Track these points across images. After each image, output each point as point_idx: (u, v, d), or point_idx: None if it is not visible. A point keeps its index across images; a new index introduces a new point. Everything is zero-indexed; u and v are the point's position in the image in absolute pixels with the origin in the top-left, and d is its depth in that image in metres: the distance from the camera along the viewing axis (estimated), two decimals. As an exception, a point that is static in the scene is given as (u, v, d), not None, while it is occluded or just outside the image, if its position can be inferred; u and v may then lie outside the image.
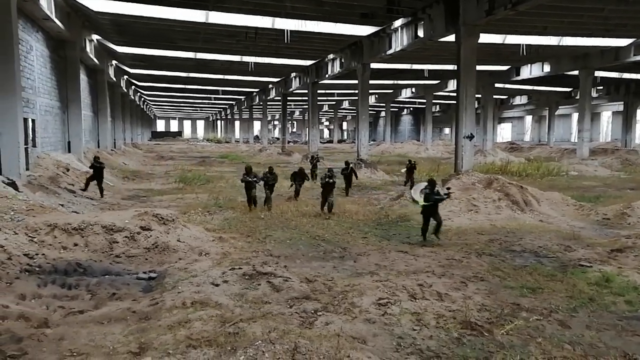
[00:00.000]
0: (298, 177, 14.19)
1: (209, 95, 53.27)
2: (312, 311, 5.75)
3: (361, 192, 17.12)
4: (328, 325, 5.34)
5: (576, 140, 31.62)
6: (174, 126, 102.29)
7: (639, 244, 8.47)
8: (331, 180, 12.31)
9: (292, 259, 8.20)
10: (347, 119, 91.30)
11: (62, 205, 12.03)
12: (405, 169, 18.33)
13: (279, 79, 39.42)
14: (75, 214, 10.52)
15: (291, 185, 14.28)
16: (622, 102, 39.97)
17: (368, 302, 6.04)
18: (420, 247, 9.11)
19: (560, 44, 23.31)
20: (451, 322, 5.47)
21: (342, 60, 26.07)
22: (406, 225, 11.25)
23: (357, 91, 25.36)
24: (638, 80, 36.37)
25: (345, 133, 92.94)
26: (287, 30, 20.37)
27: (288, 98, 43.17)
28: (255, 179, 12.40)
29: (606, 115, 51.53)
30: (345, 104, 63.72)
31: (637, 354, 4.71)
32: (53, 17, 16.24)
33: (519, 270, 7.55)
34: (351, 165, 16.67)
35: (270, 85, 43.57)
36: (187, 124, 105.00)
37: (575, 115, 40.30)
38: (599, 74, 30.67)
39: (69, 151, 20.44)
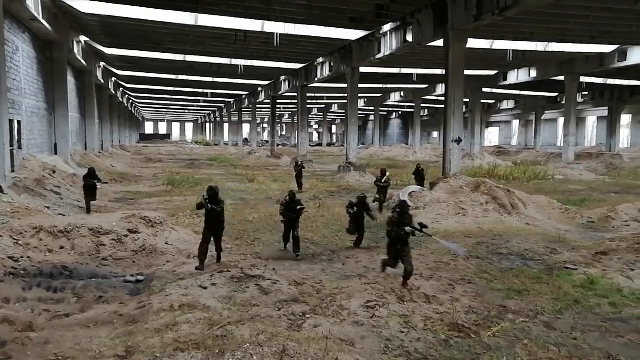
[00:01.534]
0: (292, 208, 8.77)
1: (198, 98, 53.05)
2: (301, 314, 5.76)
3: (350, 195, 17.13)
4: (316, 327, 5.35)
5: (562, 145, 32.02)
6: (162, 128, 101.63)
7: (623, 247, 8.60)
8: (354, 210, 9.42)
9: (281, 262, 8.20)
10: (337, 122, 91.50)
11: (48, 207, 11.90)
12: (413, 174, 16.86)
13: (269, 82, 39.41)
14: (61, 217, 10.41)
15: (283, 221, 8.95)
16: (607, 108, 40.55)
17: (356, 304, 6.05)
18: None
19: (547, 50, 23.60)
20: (439, 325, 5.51)
21: (332, 64, 26.14)
22: (395, 228, 11.28)
23: (346, 95, 25.41)
24: (622, 86, 36.93)
25: (334, 136, 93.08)
26: (276, 34, 20.38)
27: (277, 101, 43.16)
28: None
29: (591, 120, 52.21)
30: (335, 108, 63.83)
31: (620, 355, 4.78)
32: (40, 18, 16.08)
33: (506, 273, 7.62)
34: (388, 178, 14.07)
35: (260, 88, 43.54)
36: (175, 126, 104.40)
37: (561, 120, 40.81)
38: (584, 79, 31.09)
39: (56, 153, 20.22)
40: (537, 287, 6.92)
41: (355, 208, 9.47)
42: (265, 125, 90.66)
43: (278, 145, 54.55)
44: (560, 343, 5.05)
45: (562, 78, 28.44)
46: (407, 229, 6.89)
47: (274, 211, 12.91)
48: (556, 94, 40.96)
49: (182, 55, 27.06)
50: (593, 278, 7.12)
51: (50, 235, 7.85)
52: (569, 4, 15.65)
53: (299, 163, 18.58)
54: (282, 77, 35.77)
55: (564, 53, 24.79)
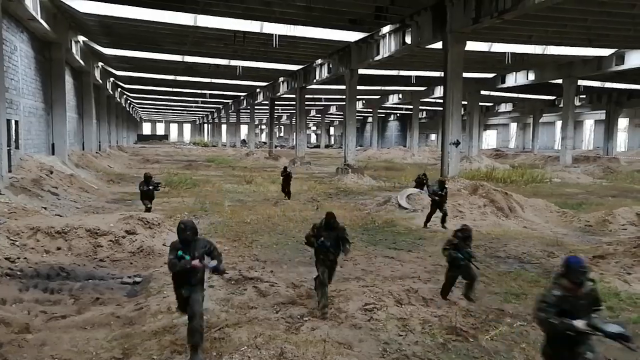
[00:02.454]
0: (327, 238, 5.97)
1: (196, 99, 53.02)
2: (299, 316, 5.75)
3: (348, 197, 17.16)
4: (314, 330, 5.34)
5: (559, 148, 32.07)
6: (160, 129, 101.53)
7: (620, 251, 8.62)
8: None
9: (279, 264, 8.18)
10: (335, 124, 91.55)
11: (45, 208, 11.86)
12: (415, 181, 15.31)
13: (267, 83, 39.43)
14: (58, 217, 10.38)
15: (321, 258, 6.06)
16: (604, 111, 40.66)
17: (354, 307, 6.04)
18: (407, 253, 9.16)
19: (545, 53, 23.68)
20: (437, 328, 5.50)
21: (330, 66, 26.16)
22: (392, 230, 11.30)
23: (344, 96, 25.43)
24: (619, 89, 37.05)
25: (332, 138, 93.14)
26: (275, 35, 20.40)
27: (276, 102, 43.16)
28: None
29: (589, 124, 52.38)
30: (333, 109, 63.91)
31: (617, 358, 4.78)
32: (38, 17, 16.05)
33: (504, 276, 7.63)
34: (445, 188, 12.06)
35: (258, 90, 43.54)
36: (173, 127, 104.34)
37: (559, 123, 40.89)
38: (582, 82, 31.17)
39: (53, 153, 20.16)
40: (534, 290, 6.91)
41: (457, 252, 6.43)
42: (264, 127, 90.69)
43: (276, 146, 54.58)
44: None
45: (560, 81, 28.52)
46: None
47: (272, 213, 12.92)
48: (554, 97, 41.05)
49: (181, 56, 27.06)
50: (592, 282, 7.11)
51: (47, 236, 7.82)
52: (568, 7, 15.69)
53: (288, 170, 16.72)
54: (281, 79, 35.78)
55: (562, 56, 24.87)
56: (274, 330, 5.24)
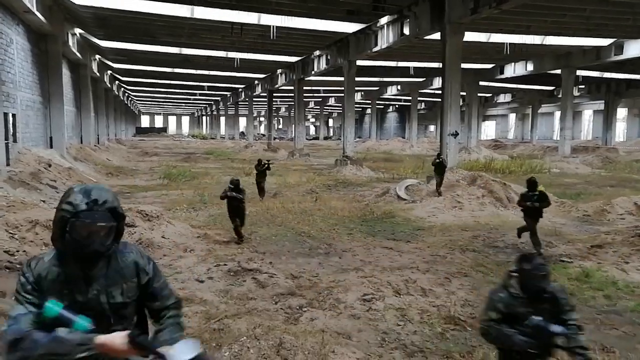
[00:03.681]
0: None
1: (194, 91, 52.85)
2: (297, 307, 5.78)
3: (347, 188, 17.18)
4: (313, 321, 5.37)
5: (558, 138, 32.06)
6: (158, 122, 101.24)
7: (618, 240, 8.64)
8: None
9: (278, 255, 8.20)
10: (333, 115, 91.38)
11: (43, 201, 11.85)
12: (433, 165, 14.16)
13: (265, 75, 39.28)
14: (57, 211, 10.36)
15: None
16: (603, 101, 40.62)
17: (353, 297, 6.07)
18: (405, 243, 9.18)
19: (543, 43, 23.59)
20: (435, 318, 5.53)
21: (329, 57, 26.06)
22: (391, 221, 11.32)
23: (343, 88, 25.39)
24: (618, 79, 36.98)
25: (331, 130, 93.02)
26: (273, 27, 20.29)
27: (274, 94, 43.04)
28: None
29: (587, 114, 52.32)
30: (332, 101, 63.75)
31: (614, 346, 4.81)
32: (34, 9, 15.94)
33: (502, 266, 7.64)
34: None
35: (256, 82, 43.40)
36: (172, 119, 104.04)
37: (558, 114, 40.83)
38: (580, 73, 31.10)
39: (51, 147, 20.12)
40: (532, 280, 6.94)
41: None
42: (262, 119, 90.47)
43: (275, 138, 54.52)
44: (555, 335, 5.07)
45: (558, 71, 28.46)
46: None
47: (271, 204, 12.94)
48: (553, 88, 40.97)
49: (178, 48, 26.92)
50: (588, 271, 7.15)
51: (46, 229, 7.81)
52: (566, -4, 15.64)
53: (263, 163, 14.35)
54: (279, 70, 35.65)
55: (561, 46, 24.79)
56: (273, 321, 5.26)
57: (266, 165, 14.24)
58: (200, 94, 56.65)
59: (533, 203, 8.13)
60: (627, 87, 38.51)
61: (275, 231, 9.97)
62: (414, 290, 6.41)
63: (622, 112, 46.04)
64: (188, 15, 18.85)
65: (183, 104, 78.55)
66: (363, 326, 5.33)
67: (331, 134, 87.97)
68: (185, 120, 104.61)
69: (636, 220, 10.83)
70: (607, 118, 40.25)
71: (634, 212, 11.51)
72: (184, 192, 15.20)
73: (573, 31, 21.64)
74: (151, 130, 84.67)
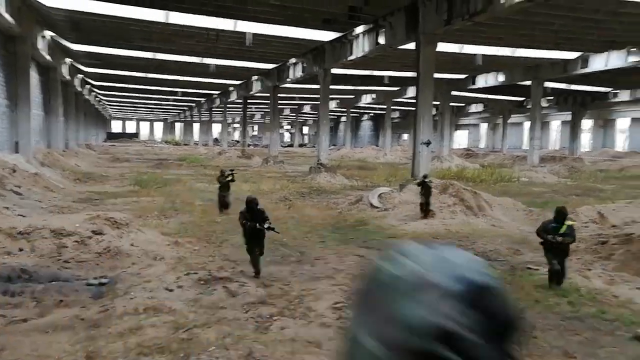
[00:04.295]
0: None
1: (167, 97, 52.18)
2: (268, 316, 5.74)
3: (320, 196, 17.20)
4: (283, 329, 5.35)
5: (527, 148, 32.83)
6: (130, 127, 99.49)
7: (582, 248, 8.89)
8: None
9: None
10: (309, 123, 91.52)
11: (7, 208, 11.49)
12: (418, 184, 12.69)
13: (240, 82, 39.11)
14: (21, 218, 10.08)
15: None
16: (570, 112, 41.84)
17: (324, 306, 6.08)
18: (377, 251, 9.23)
19: (514, 55, 24.20)
20: (405, 325, 5.57)
21: (304, 65, 26.14)
22: (364, 229, 11.39)
23: (318, 96, 25.49)
24: (584, 91, 38.17)
25: (306, 137, 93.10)
26: (249, 33, 20.26)
27: (249, 101, 42.89)
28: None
29: (555, 124, 53.79)
30: (307, 108, 63.85)
31: (576, 352, 4.94)
32: (2, 10, 15.52)
33: (471, 274, 7.76)
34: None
35: (231, 88, 43.17)
36: (144, 125, 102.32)
37: (527, 124, 41.89)
38: (549, 84, 31.99)
39: (17, 152, 19.53)
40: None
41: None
42: (237, 125, 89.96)
43: (249, 145, 54.26)
44: (520, 342, 5.17)
45: (528, 83, 29.20)
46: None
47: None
48: (522, 98, 41.98)
49: (152, 53, 26.58)
50: (554, 278, 7.32)
51: (9, 237, 7.59)
52: (536, 11, 16.08)
53: (227, 173, 12.88)
54: (254, 77, 35.55)
55: (531, 59, 25.46)
56: (243, 330, 5.22)
57: (230, 177, 12.73)
58: (174, 100, 55.98)
59: (555, 237, 6.66)
60: (592, 100, 39.75)
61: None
62: (384, 298, 6.45)
63: (588, 123, 47.52)
64: (163, 20, 18.67)
65: (156, 110, 77.44)
66: (334, 334, 5.32)
67: (306, 141, 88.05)
68: (158, 126, 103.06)
69: (599, 228, 11.15)
70: (573, 129, 41.46)
71: (597, 220, 11.84)
72: (155, 199, 14.97)
73: (542, 44, 22.29)
74: (122, 136, 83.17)
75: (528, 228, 11.90)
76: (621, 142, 46.53)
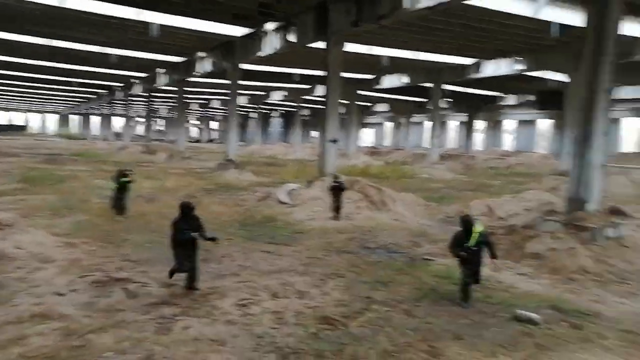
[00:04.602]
0: None
1: (63, 87, 48.26)
2: (171, 316, 5.56)
3: (228, 192, 16.93)
4: (187, 329, 5.22)
5: (428, 146, 34.79)
6: (19, 119, 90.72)
7: (473, 239, 9.62)
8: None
9: (152, 263, 7.82)
10: (217, 118, 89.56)
11: None
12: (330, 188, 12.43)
13: (145, 74, 37.27)
14: None
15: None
16: (466, 114, 45.06)
17: (229, 303, 6.02)
18: (284, 247, 9.31)
19: (417, 58, 25.51)
20: (310, 319, 5.68)
21: (213, 60, 25.53)
22: (271, 225, 11.40)
23: (228, 91, 25.03)
24: (478, 95, 41.33)
25: (214, 133, 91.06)
26: (154, 24, 19.33)
27: (154, 94, 41.06)
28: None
29: (453, 125, 57.57)
30: (216, 103, 62.44)
31: (465, 334, 5.36)
32: None
33: (373, 266, 8.11)
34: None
35: (135, 80, 40.99)
36: (34, 117, 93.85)
37: (428, 124, 44.44)
38: (448, 87, 34.16)
39: None
40: (400, 277, 7.46)
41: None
42: (141, 119, 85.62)
43: (154, 140, 51.93)
44: (417, 328, 5.51)
45: (429, 85, 30.96)
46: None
47: (147, 209, 12.28)
48: (424, 100, 44.44)
49: (46, 40, 24.42)
50: (448, 267, 7.86)
51: None
52: (437, 18, 17.10)
53: (124, 172, 11.73)
54: (160, 70, 34.06)
55: (432, 62, 27.00)
56: (142, 333, 5.01)
57: (127, 178, 11.47)
58: (70, 91, 51.94)
59: (470, 249, 6.15)
60: (485, 103, 43.16)
61: (150, 238, 9.49)
62: (290, 293, 6.53)
63: (481, 124, 51.47)
64: (57, 4, 17.21)
65: (50, 101, 71.32)
66: (238, 331, 5.30)
67: (215, 136, 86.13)
68: (52, 118, 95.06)
69: (488, 220, 12.14)
70: (468, 129, 44.72)
71: (486, 213, 12.91)
72: (47, 197, 13.81)
73: (442, 49, 23.75)
74: (10, 128, 75.70)
75: (427, 221, 12.69)
76: (509, 142, 50.93)
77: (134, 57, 28.12)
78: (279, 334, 5.29)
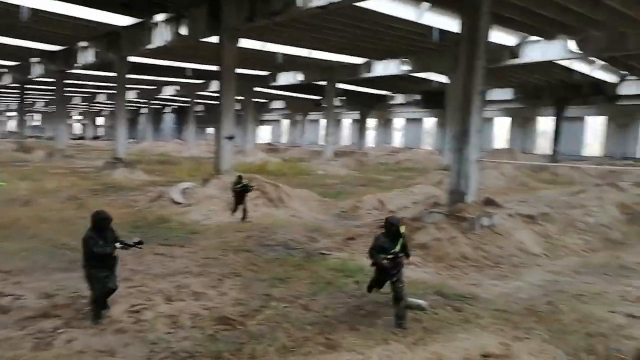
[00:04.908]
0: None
1: None
2: (51, 330, 5.13)
3: (117, 193, 15.94)
4: (70, 342, 4.86)
5: (323, 143, 35.61)
6: None
7: (367, 232, 10.07)
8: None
9: (29, 273, 7.12)
10: (104, 113, 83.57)
11: None
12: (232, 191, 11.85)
13: (16, 63, 33.56)
14: None
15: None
16: (359, 112, 46.81)
17: (120, 310, 5.70)
18: (179, 248, 8.99)
19: (311, 56, 25.94)
20: (207, 320, 5.58)
21: (97, 50, 23.71)
22: (165, 226, 10.95)
23: (114, 85, 23.46)
24: (370, 94, 43.16)
25: (101, 129, 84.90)
26: (24, 7, 17.46)
27: (28, 86, 37.16)
28: None
29: (347, 122, 59.50)
30: (102, 98, 58.19)
31: (360, 324, 5.60)
32: None
33: (271, 263, 8.15)
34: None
35: (3, 69, 36.73)
36: None
37: (323, 121, 45.46)
38: (341, 86, 35.17)
39: None
40: (297, 273, 7.58)
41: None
42: (13, 114, 77.12)
43: (29, 137, 47.13)
44: (314, 322, 5.64)
45: (324, 83, 31.67)
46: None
47: (21, 214, 11.16)
48: (319, 97, 45.37)
49: None
50: (343, 261, 8.17)
51: None
52: (329, 18, 17.50)
53: None
54: (35, 59, 30.86)
55: (325, 61, 27.62)
56: (16, 351, 4.57)
57: None
58: None
59: (396, 257, 5.44)
60: (376, 101, 45.18)
61: (25, 245, 8.64)
62: (186, 295, 6.34)
63: (373, 122, 53.82)
64: None
65: None
66: (130, 339, 5.04)
67: (101, 133, 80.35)
68: None
69: (380, 214, 12.77)
70: (361, 127, 46.54)
71: (378, 207, 13.59)
72: None
73: (334, 48, 24.37)
74: None
75: (323, 217, 13.02)
76: (398, 139, 53.86)
77: (2, 44, 25.21)
78: (174, 338, 5.12)
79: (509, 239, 9.24)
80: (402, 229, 5.55)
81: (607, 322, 5.78)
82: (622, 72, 27.26)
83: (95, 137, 70.35)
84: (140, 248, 5.76)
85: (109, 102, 56.67)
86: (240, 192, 11.59)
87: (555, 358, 4.71)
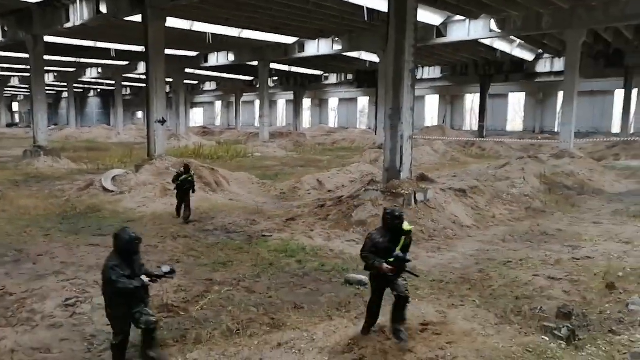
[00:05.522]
0: None
1: None
2: (-24, 331, 4.81)
3: (41, 183, 15.01)
4: (0, 342, 4.58)
5: (259, 125, 35.26)
6: None
7: (306, 212, 10.19)
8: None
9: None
10: (19, 99, 77.57)
11: None
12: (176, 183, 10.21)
13: None
14: None
15: None
16: (293, 92, 46.62)
17: (53, 305, 5.46)
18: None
19: (241, 36, 25.36)
20: (148, 309, 5.44)
21: (5, 29, 21.85)
22: (97, 216, 10.49)
23: (29, 67, 21.79)
24: (303, 74, 43.03)
25: (17, 115, 78.87)
26: None
27: None
28: None
29: (282, 103, 59.12)
30: (15, 81, 53.92)
31: (303, 303, 5.71)
32: None
33: (212, 248, 8.06)
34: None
35: None
36: None
37: (257, 102, 44.89)
38: (274, 66, 34.80)
39: None
40: (239, 256, 7.56)
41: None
42: None
43: None
44: (258, 303, 5.68)
45: (256, 63, 31.15)
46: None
47: None
48: (252, 78, 44.64)
49: None
50: (285, 242, 8.23)
51: None
52: (256, -5, 17.17)
53: None
54: None
55: (256, 41, 27.10)
56: (-61, 355, 4.26)
57: None
58: None
59: (399, 260, 4.35)
60: (310, 81, 45.15)
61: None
62: (124, 286, 6.14)
63: (307, 102, 53.84)
64: None
65: None
66: (66, 334, 4.85)
67: (17, 120, 74.68)
68: None
69: (319, 194, 12.96)
70: (296, 107, 46.43)
71: (317, 187, 13.74)
72: None
73: (264, 27, 23.92)
74: None
75: (262, 199, 12.98)
76: (332, 119, 54.32)
77: None
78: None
79: (443, 212, 9.68)
80: (407, 226, 4.44)
81: (532, 285, 6.26)
82: (538, 50, 28.94)
83: (11, 124, 65.28)
84: (172, 278, 4.72)
85: (24, 86, 52.65)
86: (181, 186, 9.99)
87: (487, 321, 5.05)
